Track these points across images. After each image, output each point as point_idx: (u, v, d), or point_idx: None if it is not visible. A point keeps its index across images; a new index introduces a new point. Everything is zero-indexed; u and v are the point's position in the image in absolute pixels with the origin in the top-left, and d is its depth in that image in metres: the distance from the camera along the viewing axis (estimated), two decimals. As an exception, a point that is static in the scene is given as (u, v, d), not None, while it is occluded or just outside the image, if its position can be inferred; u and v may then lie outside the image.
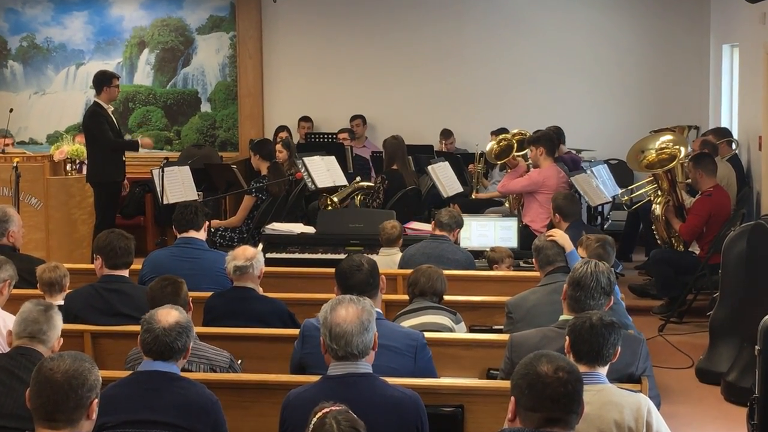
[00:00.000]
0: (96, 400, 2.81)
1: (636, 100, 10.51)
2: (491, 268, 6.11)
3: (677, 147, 7.46)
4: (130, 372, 3.47)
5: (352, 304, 3.23)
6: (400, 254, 5.99)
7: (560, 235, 4.79)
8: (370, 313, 3.24)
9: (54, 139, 10.61)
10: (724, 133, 8.71)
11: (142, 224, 9.68)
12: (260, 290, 4.81)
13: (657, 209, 7.47)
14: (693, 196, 7.66)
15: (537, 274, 4.88)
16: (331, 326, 3.18)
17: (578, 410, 2.68)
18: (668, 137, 7.63)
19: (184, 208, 5.55)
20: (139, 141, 8.51)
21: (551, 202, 6.60)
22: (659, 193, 7.51)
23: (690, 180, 7.54)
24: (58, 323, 3.64)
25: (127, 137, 10.63)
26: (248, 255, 4.67)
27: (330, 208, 7.79)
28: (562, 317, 3.84)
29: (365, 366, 3.23)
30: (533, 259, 4.82)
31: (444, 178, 7.90)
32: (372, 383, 3.21)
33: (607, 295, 3.80)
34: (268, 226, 7.17)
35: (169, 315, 3.37)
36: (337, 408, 2.67)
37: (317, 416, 2.65)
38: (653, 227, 7.65)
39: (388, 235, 6.16)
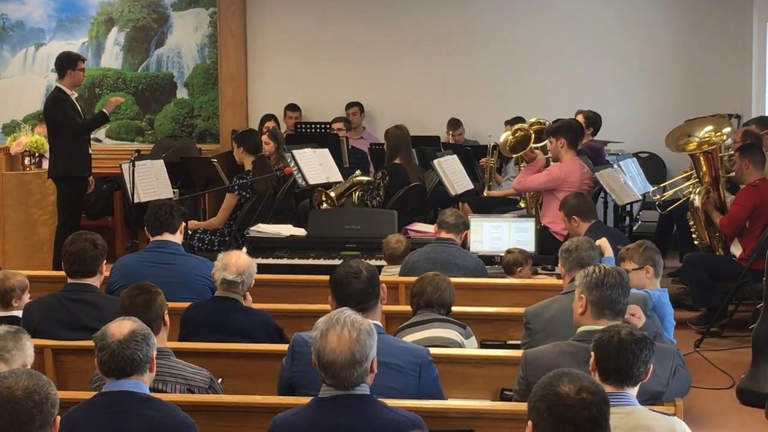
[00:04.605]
0: (58, 418, 2.84)
1: (669, 86, 10.51)
2: (512, 274, 6.10)
3: (720, 133, 7.51)
4: (95, 393, 3.47)
5: (346, 330, 3.19)
6: None
7: (601, 240, 5.07)
8: (365, 343, 3.20)
9: (10, 129, 10.60)
10: (768, 123, 8.72)
11: (110, 225, 9.68)
12: (249, 299, 4.81)
13: (696, 200, 7.47)
14: (734, 194, 7.67)
15: (558, 282, 4.89)
16: (319, 353, 3.19)
17: (604, 436, 2.68)
18: (710, 127, 7.67)
19: (158, 208, 5.55)
20: (105, 111, 8.41)
21: (562, 207, 6.59)
22: (700, 183, 7.52)
23: (733, 173, 7.56)
24: (27, 347, 3.65)
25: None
26: (240, 268, 4.66)
27: (325, 204, 7.78)
28: (583, 328, 3.85)
29: (361, 387, 3.23)
30: (558, 264, 4.84)
31: (452, 173, 7.90)
32: (369, 406, 3.21)
33: (629, 290, 3.89)
34: (253, 228, 7.17)
35: (122, 326, 3.39)
36: None
37: None
38: (691, 224, 7.64)
39: (392, 251, 6.15)
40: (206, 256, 5.85)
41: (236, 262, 4.69)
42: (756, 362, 5.96)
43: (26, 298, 4.91)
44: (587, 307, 3.84)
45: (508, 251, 6.26)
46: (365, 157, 9.71)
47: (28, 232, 8.39)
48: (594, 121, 8.76)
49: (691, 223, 7.62)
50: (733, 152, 7.65)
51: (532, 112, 9.30)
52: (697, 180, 7.59)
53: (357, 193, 8.11)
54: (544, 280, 6.15)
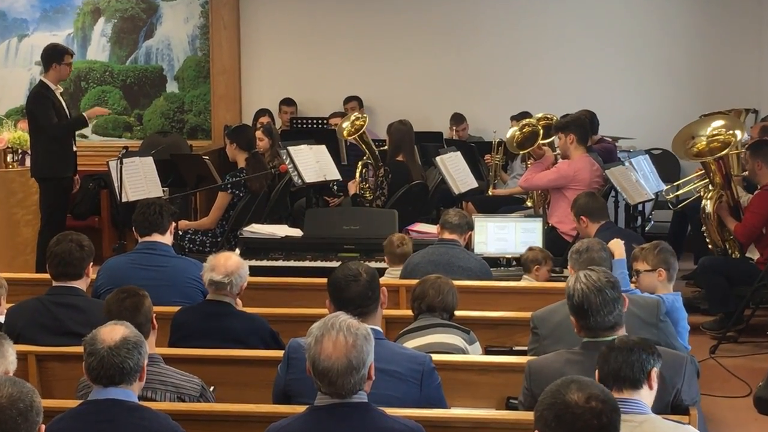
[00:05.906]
0: (43, 427, 2.86)
1: (683, 79, 10.50)
2: (528, 271, 6.11)
3: (731, 132, 7.46)
4: (81, 401, 3.48)
5: (342, 335, 3.20)
6: None
7: (614, 241, 5.09)
8: (362, 348, 3.20)
9: (-8, 124, 10.63)
10: (788, 118, 8.72)
11: (96, 226, 9.68)
12: (240, 304, 4.82)
13: (708, 206, 7.46)
14: (750, 192, 7.66)
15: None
16: (314, 359, 3.20)
17: (615, 446, 2.69)
18: (720, 122, 7.62)
19: (147, 208, 5.55)
20: (86, 114, 8.41)
21: (572, 207, 6.59)
22: (710, 187, 7.51)
23: (747, 172, 7.54)
24: (10, 354, 3.62)
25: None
26: (229, 269, 4.66)
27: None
28: (587, 339, 3.85)
29: (359, 394, 3.24)
30: (568, 266, 4.84)
31: (455, 171, 7.90)
32: (367, 414, 3.22)
33: (618, 298, 3.80)
34: (247, 229, 7.17)
35: (113, 332, 3.39)
36: None
37: None
38: (704, 229, 7.64)
39: (401, 252, 6.14)
40: (197, 257, 5.84)
41: (225, 263, 4.68)
42: (774, 369, 5.97)
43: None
44: (582, 330, 3.85)
45: (530, 248, 6.28)
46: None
47: (11, 232, 8.39)
48: (590, 121, 8.71)
49: (704, 228, 7.62)
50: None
51: (540, 106, 9.31)
52: (708, 181, 7.57)
53: (360, 167, 8.13)
54: (554, 282, 6.16)
